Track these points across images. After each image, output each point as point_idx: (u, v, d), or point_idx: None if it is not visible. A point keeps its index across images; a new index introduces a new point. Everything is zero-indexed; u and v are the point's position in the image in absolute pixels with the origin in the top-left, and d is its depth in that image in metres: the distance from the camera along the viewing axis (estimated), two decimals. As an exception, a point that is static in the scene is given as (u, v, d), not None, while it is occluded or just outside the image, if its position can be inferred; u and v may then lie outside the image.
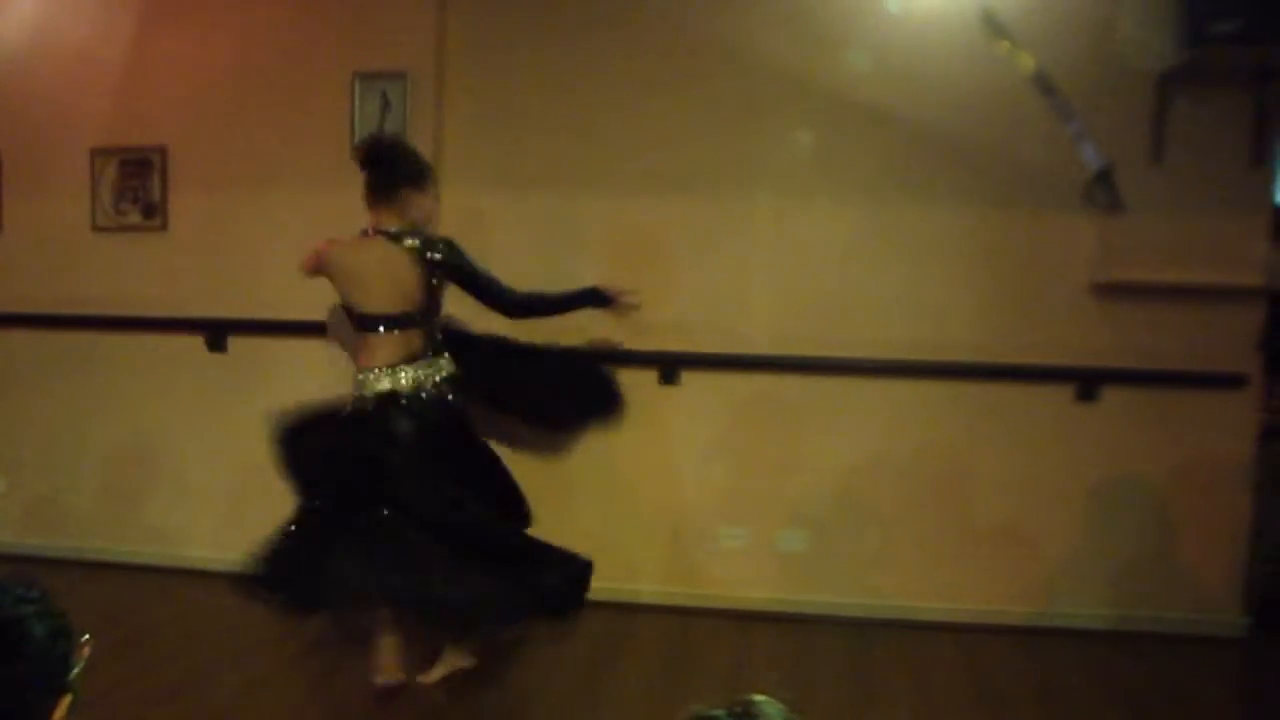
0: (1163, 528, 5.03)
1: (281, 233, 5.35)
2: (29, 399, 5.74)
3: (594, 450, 5.26)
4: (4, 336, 5.74)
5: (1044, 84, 4.81)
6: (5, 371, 5.76)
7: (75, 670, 1.47)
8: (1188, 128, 4.81)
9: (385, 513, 4.01)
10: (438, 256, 4.03)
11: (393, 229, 4.06)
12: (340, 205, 5.28)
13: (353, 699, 4.12)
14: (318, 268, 4.14)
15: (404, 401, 4.00)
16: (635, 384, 5.22)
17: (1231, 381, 4.91)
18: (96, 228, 5.60)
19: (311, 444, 4.20)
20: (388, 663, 4.14)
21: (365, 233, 4.13)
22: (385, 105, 5.26)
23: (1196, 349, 4.93)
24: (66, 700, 1.46)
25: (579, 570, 4.20)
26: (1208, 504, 4.97)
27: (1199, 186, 4.83)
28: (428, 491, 4.03)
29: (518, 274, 5.28)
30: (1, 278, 5.69)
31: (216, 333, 5.52)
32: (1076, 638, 4.95)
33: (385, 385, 4.00)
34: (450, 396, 4.12)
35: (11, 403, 5.76)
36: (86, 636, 1.50)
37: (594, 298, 4.40)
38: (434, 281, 4.06)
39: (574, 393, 4.66)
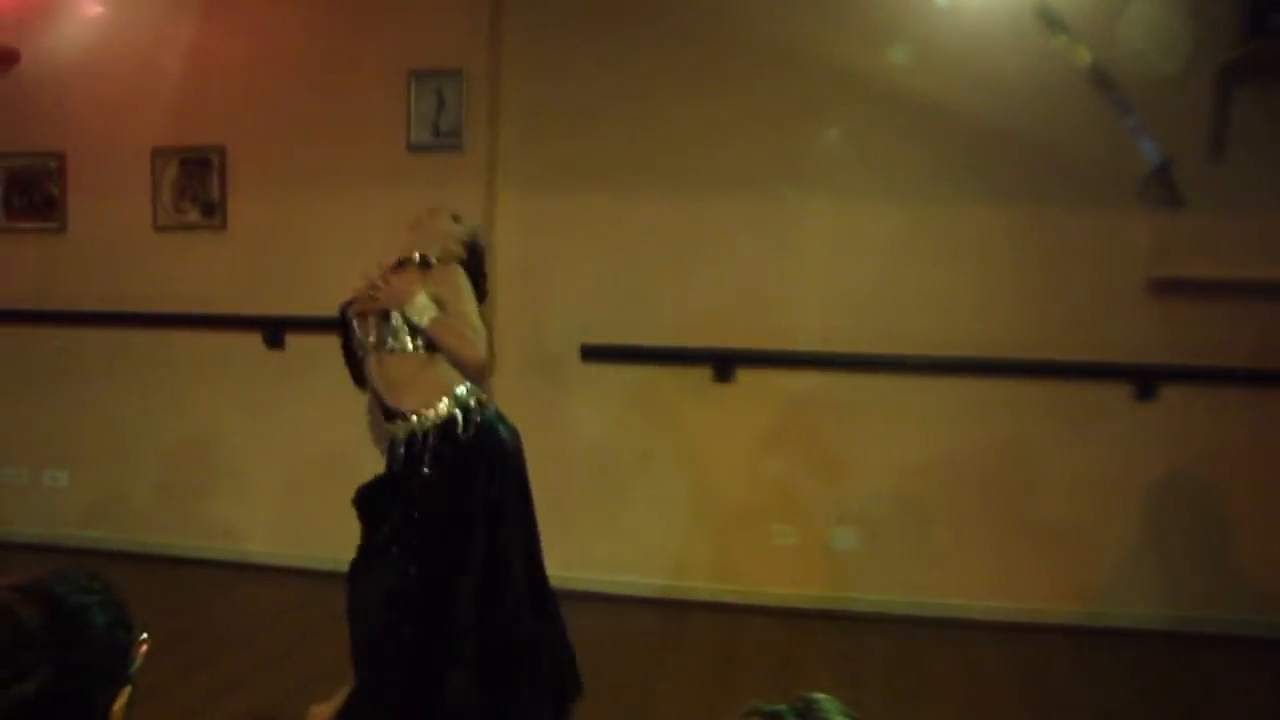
0: (1220, 528, 4.96)
1: (338, 230, 5.41)
2: (92, 395, 5.85)
3: (647, 448, 5.28)
4: (68, 333, 5.85)
5: (1102, 78, 4.77)
6: (69, 368, 5.87)
7: (135, 664, 1.49)
8: (1248, 122, 4.74)
9: None
10: None
11: None
12: (396, 202, 5.34)
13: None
14: None
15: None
16: (690, 381, 5.24)
17: (1292, 379, 4.84)
18: (158, 227, 5.69)
19: None
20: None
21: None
22: (440, 103, 5.30)
23: (1257, 346, 4.86)
24: (126, 692, 1.48)
25: None
26: (1266, 504, 4.90)
27: (1259, 182, 4.77)
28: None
29: (571, 270, 5.33)
30: (66, 276, 5.81)
31: (274, 330, 5.59)
32: (1130, 638, 4.90)
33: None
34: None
35: (75, 398, 5.87)
36: (145, 635, 1.52)
37: None
38: None
39: None
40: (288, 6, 5.50)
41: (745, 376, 5.24)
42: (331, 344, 5.42)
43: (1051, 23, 4.79)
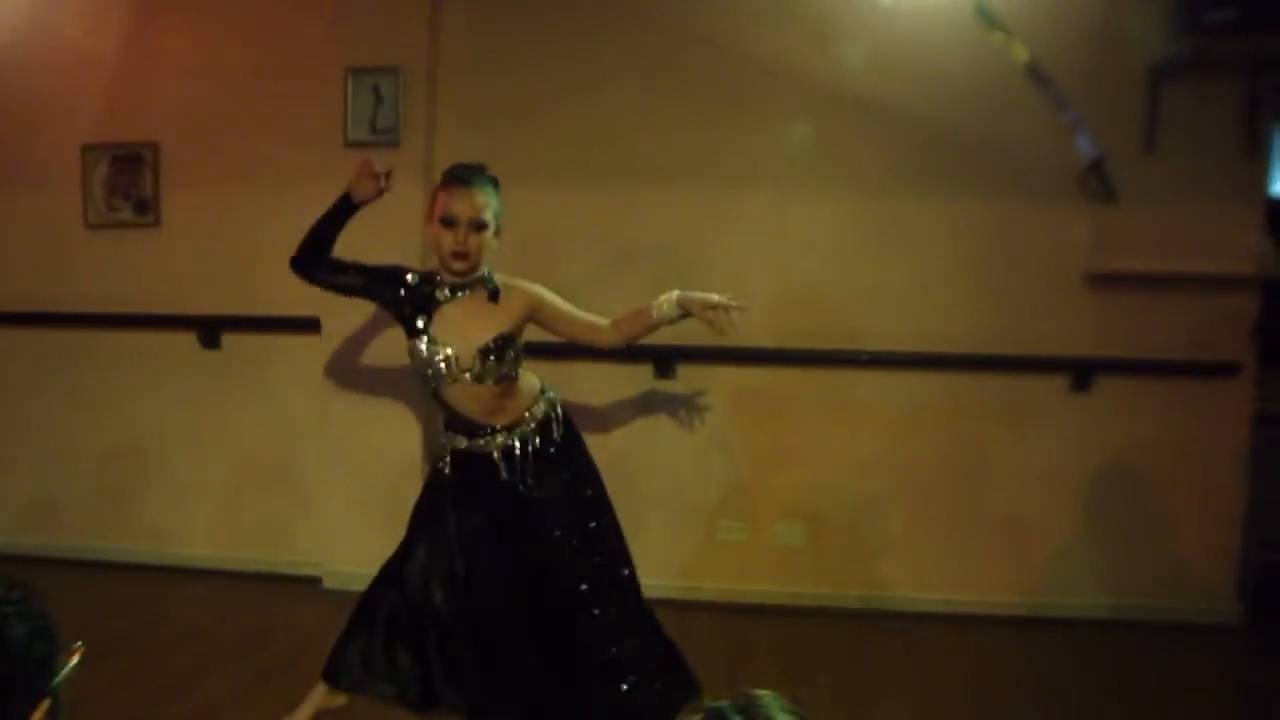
0: (1158, 517, 5.04)
1: (274, 228, 5.31)
2: (21, 398, 5.71)
3: (591, 446, 5.26)
4: (-4, 334, 5.72)
5: (1038, 75, 4.81)
6: (-3, 369, 5.74)
7: (60, 676, 1.46)
8: (1181, 118, 4.81)
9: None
10: None
11: None
12: (333, 200, 5.29)
13: (351, 698, 4.10)
14: None
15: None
16: (631, 378, 5.22)
17: (1225, 370, 4.92)
18: (89, 225, 5.57)
19: None
20: None
21: None
22: (377, 100, 5.24)
23: (1190, 338, 4.94)
24: (43, 705, 1.44)
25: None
26: (1202, 492, 4.99)
27: (1193, 176, 4.83)
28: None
29: (508, 266, 5.28)
30: (-7, 275, 5.67)
31: (210, 329, 5.51)
32: (1073, 627, 4.97)
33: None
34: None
35: (4, 402, 5.73)
36: (79, 644, 1.49)
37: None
38: None
39: None
40: (223, 1, 5.41)
41: (687, 372, 5.23)
42: (268, 342, 5.41)
43: (988, 19, 4.83)
